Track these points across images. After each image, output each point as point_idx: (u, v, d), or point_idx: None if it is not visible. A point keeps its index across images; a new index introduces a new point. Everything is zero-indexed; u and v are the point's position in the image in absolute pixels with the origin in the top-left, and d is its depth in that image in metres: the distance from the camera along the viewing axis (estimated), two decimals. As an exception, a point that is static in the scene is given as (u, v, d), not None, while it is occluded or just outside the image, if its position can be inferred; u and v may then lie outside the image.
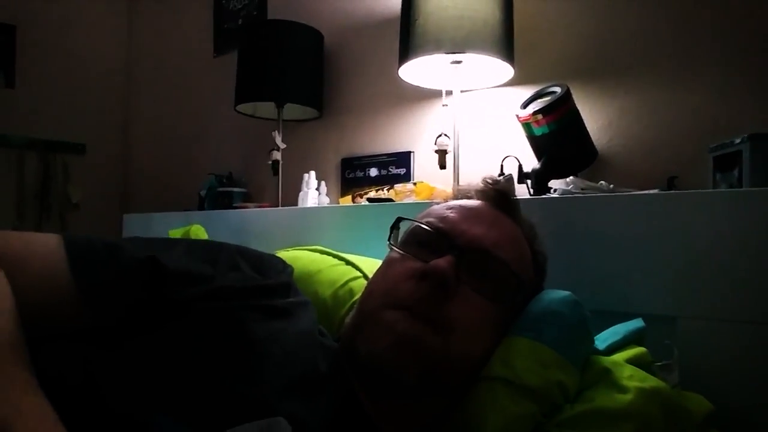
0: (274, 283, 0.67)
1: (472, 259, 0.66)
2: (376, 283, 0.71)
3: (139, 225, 1.93)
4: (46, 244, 0.58)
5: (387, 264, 0.72)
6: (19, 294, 0.53)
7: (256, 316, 0.61)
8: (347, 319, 0.73)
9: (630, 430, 0.60)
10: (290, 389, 0.58)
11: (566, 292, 0.73)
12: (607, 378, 0.65)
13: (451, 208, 0.74)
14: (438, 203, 0.79)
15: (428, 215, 0.74)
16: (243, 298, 0.62)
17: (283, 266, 0.73)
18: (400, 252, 0.70)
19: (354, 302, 0.90)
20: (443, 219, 0.72)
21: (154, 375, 0.54)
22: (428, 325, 0.62)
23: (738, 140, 0.96)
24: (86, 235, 0.62)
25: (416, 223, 0.73)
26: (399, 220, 0.76)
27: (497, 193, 0.77)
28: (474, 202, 0.76)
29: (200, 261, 0.64)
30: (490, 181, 0.78)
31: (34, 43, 2.93)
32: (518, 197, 0.80)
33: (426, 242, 0.69)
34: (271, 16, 2.43)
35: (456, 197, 0.80)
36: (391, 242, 0.74)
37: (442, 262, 0.63)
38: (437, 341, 0.62)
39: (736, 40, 1.31)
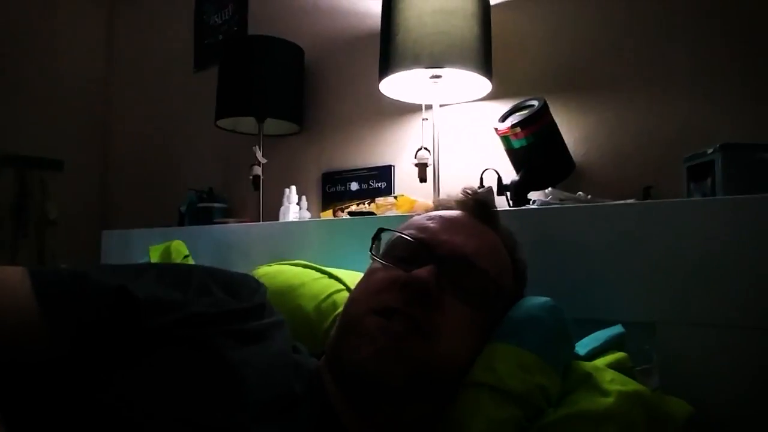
0: (248, 305, 0.66)
1: (452, 268, 0.67)
2: (358, 292, 0.71)
3: (119, 242, 1.91)
4: (10, 277, 0.56)
5: (369, 274, 0.72)
6: None
7: (229, 342, 0.60)
8: (332, 332, 0.73)
9: (612, 432, 0.60)
10: (266, 413, 0.57)
11: (545, 298, 0.74)
12: (589, 382, 0.66)
13: (431, 219, 0.75)
14: (419, 215, 0.80)
15: (409, 226, 0.75)
16: (216, 324, 0.61)
17: (257, 285, 0.72)
18: (382, 262, 0.71)
19: (338, 315, 0.90)
20: (424, 229, 0.72)
21: (128, 406, 0.53)
22: (411, 331, 0.62)
23: (710, 150, 0.99)
24: (52, 267, 0.60)
25: (397, 234, 0.74)
26: (380, 230, 0.77)
27: (476, 203, 0.78)
28: (454, 213, 0.77)
29: (171, 288, 0.62)
30: (469, 191, 0.80)
31: (11, 57, 2.90)
32: (498, 209, 0.81)
33: (407, 252, 0.70)
34: (251, 31, 2.44)
35: (437, 208, 0.81)
36: (373, 253, 0.75)
37: (423, 272, 0.64)
38: (420, 346, 0.62)
39: (708, 52, 1.34)
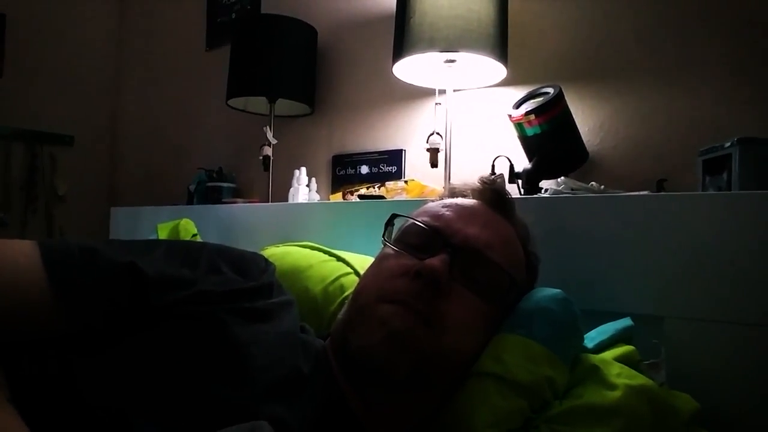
0: (257, 284, 0.65)
1: (465, 259, 0.66)
2: (369, 278, 0.71)
3: (127, 219, 1.91)
4: (20, 250, 0.55)
5: (380, 260, 0.72)
6: None
7: (237, 319, 0.60)
8: (339, 315, 0.73)
9: (618, 426, 0.60)
10: (273, 392, 0.57)
11: (557, 290, 0.73)
12: (596, 375, 0.66)
13: (447, 207, 0.73)
14: (433, 201, 0.79)
15: (424, 213, 0.74)
16: (224, 302, 0.60)
17: (266, 265, 0.71)
18: (395, 248, 0.70)
19: (345, 298, 0.90)
20: (439, 217, 0.71)
21: (136, 381, 0.53)
22: (421, 321, 0.62)
23: (728, 144, 0.97)
24: (62, 240, 0.59)
25: (411, 220, 0.73)
26: (394, 216, 0.76)
27: (493, 193, 0.77)
28: (470, 202, 0.76)
29: (180, 265, 0.62)
30: (486, 180, 0.78)
31: (23, 33, 2.89)
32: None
33: (420, 240, 0.69)
34: (264, 10, 2.41)
35: (452, 195, 0.80)
36: (386, 238, 0.74)
37: (436, 261, 0.63)
38: (429, 337, 0.62)
39: (728, 44, 1.32)
